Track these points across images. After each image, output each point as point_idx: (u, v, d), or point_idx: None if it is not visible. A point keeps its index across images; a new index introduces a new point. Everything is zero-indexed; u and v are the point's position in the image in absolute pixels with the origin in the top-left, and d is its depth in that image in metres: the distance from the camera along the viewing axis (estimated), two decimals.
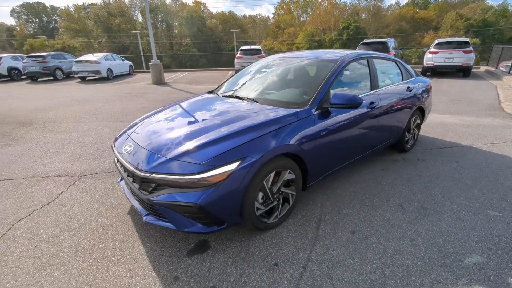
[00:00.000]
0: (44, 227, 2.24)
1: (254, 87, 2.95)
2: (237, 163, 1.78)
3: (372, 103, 2.79)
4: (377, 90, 2.95)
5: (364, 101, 2.71)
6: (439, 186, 2.84)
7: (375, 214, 2.37)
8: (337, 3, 53.38)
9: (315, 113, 2.28)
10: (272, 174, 2.00)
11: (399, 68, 3.52)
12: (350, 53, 2.91)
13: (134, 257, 1.90)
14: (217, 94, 3.08)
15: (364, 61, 2.95)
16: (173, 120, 2.42)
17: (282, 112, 2.22)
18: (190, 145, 1.89)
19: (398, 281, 1.68)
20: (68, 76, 14.94)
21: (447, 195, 2.66)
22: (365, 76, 2.93)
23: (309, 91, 2.45)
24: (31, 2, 65.12)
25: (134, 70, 17.14)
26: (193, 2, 58.74)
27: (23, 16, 69.02)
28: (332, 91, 2.43)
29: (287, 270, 1.78)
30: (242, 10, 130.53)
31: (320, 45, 45.09)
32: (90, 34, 52.91)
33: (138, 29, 52.11)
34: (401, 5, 59.18)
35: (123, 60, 15.79)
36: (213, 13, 60.52)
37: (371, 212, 2.40)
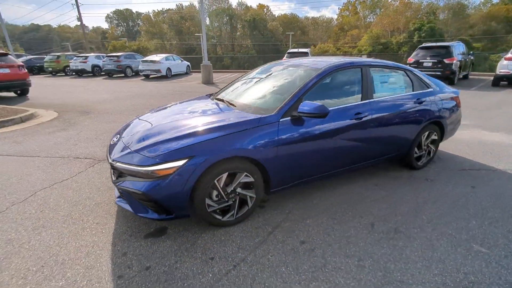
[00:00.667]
0: (55, 197, 2.77)
1: (244, 93, 3.08)
2: (184, 160, 1.96)
3: (358, 113, 2.66)
4: (370, 100, 2.79)
5: (351, 111, 2.62)
6: (431, 210, 2.56)
7: (337, 229, 2.29)
8: (411, 2, 48.78)
9: (281, 120, 2.32)
10: (225, 175, 2.13)
11: (409, 78, 3.23)
12: (339, 61, 2.82)
13: (103, 231, 2.25)
14: (211, 97, 3.31)
15: (356, 70, 2.82)
16: (155, 118, 2.71)
17: (246, 117, 2.33)
18: (152, 141, 2.15)
19: None
20: (136, 73, 17.06)
21: (434, 222, 2.39)
22: (356, 85, 2.80)
23: (284, 98, 2.48)
24: (121, 9, 75.72)
25: (191, 70, 18.64)
26: (257, 6, 60.56)
27: (114, 21, 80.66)
28: (310, 101, 2.40)
29: (218, 265, 1.89)
30: (307, 12, 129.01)
31: (385, 48, 41.86)
32: (164, 37, 58.97)
33: (206, 31, 56.05)
34: (494, 1, 50.81)
35: (181, 61, 17.34)
36: (276, 16, 61.38)
37: (335, 226, 2.32)
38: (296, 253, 2.01)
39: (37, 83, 13.61)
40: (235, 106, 2.69)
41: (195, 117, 2.57)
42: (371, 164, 3.10)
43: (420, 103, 3.13)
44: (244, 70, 23.63)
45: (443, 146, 4.19)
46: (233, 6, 59.82)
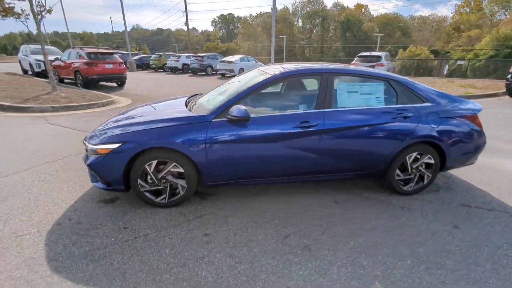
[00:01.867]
0: (74, 162, 3.68)
1: (209, 94, 3.30)
2: (118, 144, 2.41)
3: (305, 122, 2.57)
4: (325, 110, 2.63)
5: (296, 119, 2.57)
6: (368, 239, 2.27)
7: (249, 231, 2.33)
8: None
9: (214, 120, 2.50)
10: (154, 162, 2.48)
11: (394, 90, 2.81)
12: (295, 68, 2.73)
13: (78, 192, 2.93)
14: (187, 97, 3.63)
15: (314, 77, 2.68)
16: (135, 110, 3.23)
17: (183, 114, 2.61)
18: (108, 127, 2.68)
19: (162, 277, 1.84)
20: (216, 72, 18.99)
21: (357, 250, 2.14)
22: (313, 93, 2.68)
23: (224, 101, 2.64)
24: (225, 14, 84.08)
25: None
26: (354, 6, 57.33)
27: (218, 25, 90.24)
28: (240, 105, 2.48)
29: (125, 234, 2.26)
30: (418, 10, 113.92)
31: None
32: (257, 39, 62.55)
33: (294, 33, 56.59)
34: None
35: (255, 62, 18.32)
36: (373, 16, 56.73)
37: (249, 229, 2.37)
38: (191, 241, 2.20)
39: (138, 76, 16.88)
40: (195, 104, 2.99)
41: (153, 112, 2.97)
42: (336, 179, 2.90)
43: (404, 118, 2.71)
44: None
45: (465, 170, 3.43)
46: (328, 7, 58.41)
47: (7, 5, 8.17)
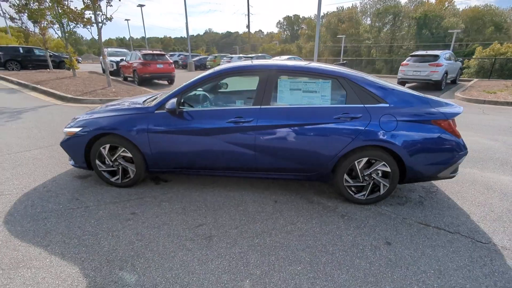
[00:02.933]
0: None
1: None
2: (79, 129, 2.86)
3: (239, 117, 2.59)
4: (261, 106, 2.60)
5: (230, 115, 2.63)
6: (279, 240, 2.20)
7: (172, 217, 2.50)
8: None
9: (156, 112, 2.73)
10: (107, 146, 2.85)
11: (344, 88, 2.58)
12: (238, 65, 2.74)
13: (68, 167, 3.52)
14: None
15: (255, 74, 2.66)
16: (113, 102, 3.67)
17: (135, 106, 2.91)
18: (83, 115, 3.15)
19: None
20: None
21: (260, 247, 2.10)
22: (252, 89, 2.67)
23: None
24: (290, 15, 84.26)
25: None
26: (436, 0, 50.82)
27: (283, 26, 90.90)
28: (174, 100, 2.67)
29: (78, 203, 2.68)
30: None
31: None
32: (320, 39, 60.90)
33: (360, 33, 53.26)
34: None
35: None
36: (459, 9, 49.31)
37: (172, 214, 2.53)
38: (116, 217, 2.48)
39: (191, 76, 18.30)
40: (156, 99, 3.27)
41: (122, 104, 3.32)
42: (280, 178, 2.83)
43: (351, 118, 2.49)
44: (385, 75, 21.44)
45: (459, 186, 2.93)
46: (402, 3, 53.13)
47: (85, 18, 9.99)
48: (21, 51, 17.31)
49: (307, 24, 66.49)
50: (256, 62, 2.97)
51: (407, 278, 1.83)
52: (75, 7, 10.19)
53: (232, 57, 21.05)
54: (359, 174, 2.61)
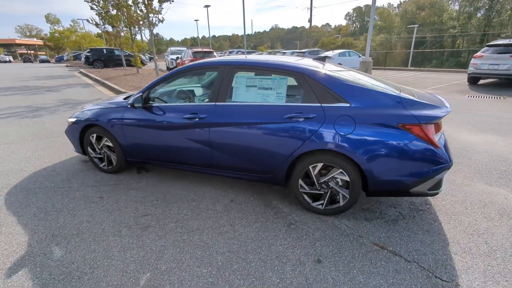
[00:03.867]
0: None
1: None
2: (75, 119, 3.28)
3: (194, 113, 2.60)
4: (215, 103, 2.55)
5: (186, 111, 2.66)
6: (194, 240, 2.17)
7: (121, 203, 2.69)
8: None
9: (129, 106, 2.95)
10: (95, 136, 3.21)
11: (301, 86, 2.31)
12: (201, 62, 2.71)
13: (74, 154, 4.07)
14: None
15: (214, 70, 2.61)
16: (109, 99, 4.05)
17: (116, 101, 3.19)
18: (85, 107, 3.60)
19: None
20: None
21: (169, 244, 2.11)
22: (210, 86, 2.63)
23: None
24: (361, 6, 78.42)
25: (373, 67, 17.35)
26: None
27: (352, 18, 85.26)
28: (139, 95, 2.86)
29: (61, 179, 3.11)
30: None
31: None
32: (393, 30, 55.10)
33: (444, 21, 46.35)
34: None
35: (359, 56, 16.63)
36: None
37: (128, 203, 2.71)
38: (85, 199, 2.78)
39: None
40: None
41: (115, 98, 3.65)
42: (237, 177, 2.75)
43: (305, 119, 2.25)
44: (446, 69, 18.53)
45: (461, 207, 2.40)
46: None
47: (141, 22, 11.26)
48: (105, 52, 20.42)
49: (379, 15, 60.87)
50: (217, 58, 2.92)
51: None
52: (137, 12, 11.53)
53: (285, 53, 20.80)
54: (315, 181, 2.36)
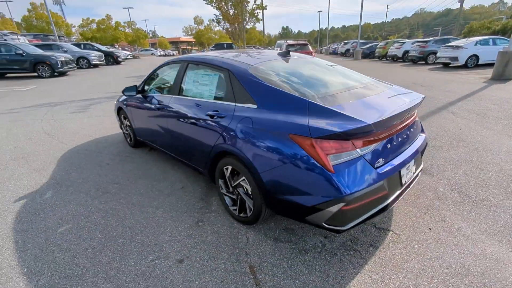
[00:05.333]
0: None
1: None
2: (116, 102, 4.23)
3: (161, 103, 2.91)
4: (171, 95, 2.79)
5: (157, 101, 3.01)
6: (104, 230, 2.51)
7: (99, 178, 3.35)
8: None
9: (135, 94, 3.54)
10: (122, 116, 4.06)
11: (225, 83, 2.15)
12: (172, 59, 2.94)
13: None
14: None
15: (180, 65, 2.77)
16: None
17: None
18: None
19: None
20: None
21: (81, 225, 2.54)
22: (177, 79, 2.82)
23: None
24: None
25: None
26: None
27: None
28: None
29: (94, 152, 4.14)
30: None
31: None
32: None
33: None
34: None
35: None
36: None
37: (103, 184, 3.36)
38: (99, 164, 3.64)
39: (348, 65, 17.31)
40: None
41: None
42: (191, 166, 2.90)
43: (220, 118, 2.17)
44: None
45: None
46: None
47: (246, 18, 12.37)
48: (225, 46, 23.37)
49: None
50: (182, 56, 3.05)
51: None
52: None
53: (404, 43, 17.65)
54: (229, 184, 2.24)
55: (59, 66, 12.86)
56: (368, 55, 22.40)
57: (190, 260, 1.91)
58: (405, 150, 1.96)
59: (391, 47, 18.55)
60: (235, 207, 2.28)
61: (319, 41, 61.31)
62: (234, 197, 2.25)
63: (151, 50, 42.78)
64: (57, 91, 9.21)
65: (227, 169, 2.20)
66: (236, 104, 2.08)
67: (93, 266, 1.88)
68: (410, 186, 2.05)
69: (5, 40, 16.52)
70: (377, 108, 1.80)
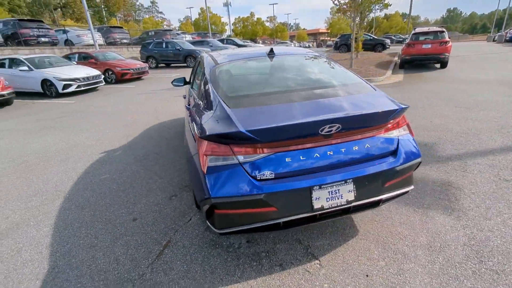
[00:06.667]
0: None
1: None
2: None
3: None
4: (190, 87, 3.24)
5: None
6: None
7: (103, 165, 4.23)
8: None
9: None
10: None
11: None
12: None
13: None
14: None
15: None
16: None
17: None
18: None
19: None
20: None
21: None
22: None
23: None
24: None
25: None
26: None
27: None
28: None
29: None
30: None
31: None
32: None
33: None
34: None
35: None
36: None
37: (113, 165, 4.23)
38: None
39: (491, 58, 12.58)
40: None
41: None
42: None
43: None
44: None
45: None
46: None
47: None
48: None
49: None
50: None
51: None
52: None
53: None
54: None
55: None
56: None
57: (142, 218, 2.38)
58: (331, 170, 1.62)
59: None
60: None
61: (498, 25, 45.66)
62: None
63: (286, 43, 45.15)
64: None
65: None
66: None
67: None
68: (347, 215, 1.69)
69: (177, 38, 21.95)
70: (283, 115, 1.60)
